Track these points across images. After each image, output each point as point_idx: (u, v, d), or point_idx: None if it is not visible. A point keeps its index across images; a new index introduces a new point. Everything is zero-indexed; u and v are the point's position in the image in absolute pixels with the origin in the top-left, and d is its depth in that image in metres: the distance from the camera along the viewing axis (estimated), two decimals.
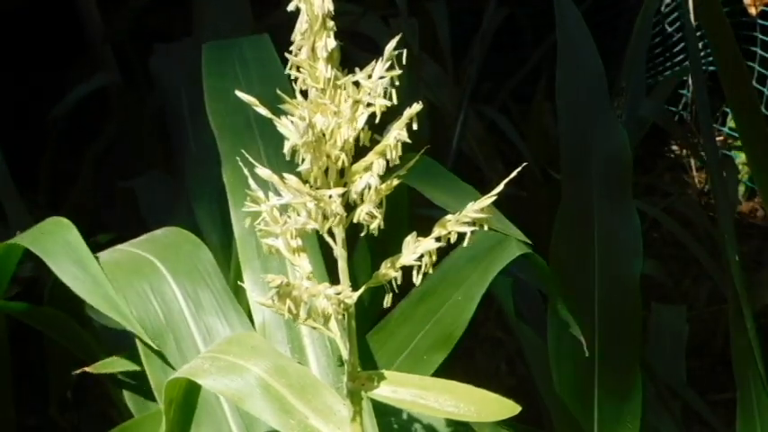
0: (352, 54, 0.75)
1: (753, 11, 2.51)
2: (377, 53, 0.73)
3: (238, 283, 0.98)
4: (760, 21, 2.59)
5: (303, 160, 0.71)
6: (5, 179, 1.51)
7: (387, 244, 0.80)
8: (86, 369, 1.12)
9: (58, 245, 1.07)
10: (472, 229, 0.74)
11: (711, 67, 2.64)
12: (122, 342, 1.05)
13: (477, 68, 2.06)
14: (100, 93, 2.14)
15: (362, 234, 0.73)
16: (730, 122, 2.72)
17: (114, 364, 1.11)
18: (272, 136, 0.72)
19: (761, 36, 2.61)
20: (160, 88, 1.84)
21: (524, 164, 0.75)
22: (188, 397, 0.87)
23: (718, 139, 2.63)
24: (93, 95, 2.06)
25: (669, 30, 2.69)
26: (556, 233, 1.23)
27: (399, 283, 0.77)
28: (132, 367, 1.08)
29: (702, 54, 2.58)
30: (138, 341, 0.99)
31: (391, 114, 0.74)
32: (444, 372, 1.01)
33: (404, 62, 0.71)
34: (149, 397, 1.04)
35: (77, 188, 1.82)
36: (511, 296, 1.33)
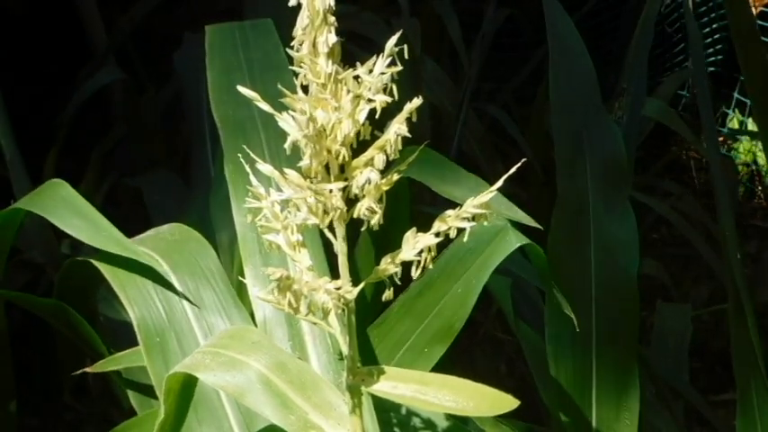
0: (354, 55, 0.75)
1: (753, 11, 2.52)
2: (379, 54, 0.73)
3: (239, 278, 0.98)
4: (760, 21, 2.59)
5: (303, 154, 0.72)
6: (13, 152, 1.53)
7: (389, 239, 0.81)
8: (87, 369, 1.13)
9: (56, 201, 1.09)
10: (472, 224, 0.75)
11: (711, 68, 2.65)
12: (127, 337, 1.05)
13: (477, 69, 2.06)
14: (102, 94, 2.15)
15: (363, 229, 0.74)
16: (730, 123, 2.73)
17: (118, 361, 1.11)
18: (275, 129, 0.72)
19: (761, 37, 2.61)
20: (181, 79, 1.84)
21: (524, 160, 0.75)
22: (185, 388, 0.88)
23: (717, 139, 2.63)
24: (96, 97, 2.07)
25: (669, 30, 2.70)
26: (552, 232, 1.24)
27: (400, 276, 0.77)
28: (135, 363, 1.09)
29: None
30: (140, 338, 1.00)
31: (393, 113, 0.74)
32: (444, 372, 1.01)
33: (405, 59, 0.72)
34: (152, 395, 1.05)
35: (82, 188, 1.83)
36: (509, 296, 1.33)
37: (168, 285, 1.04)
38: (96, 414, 1.88)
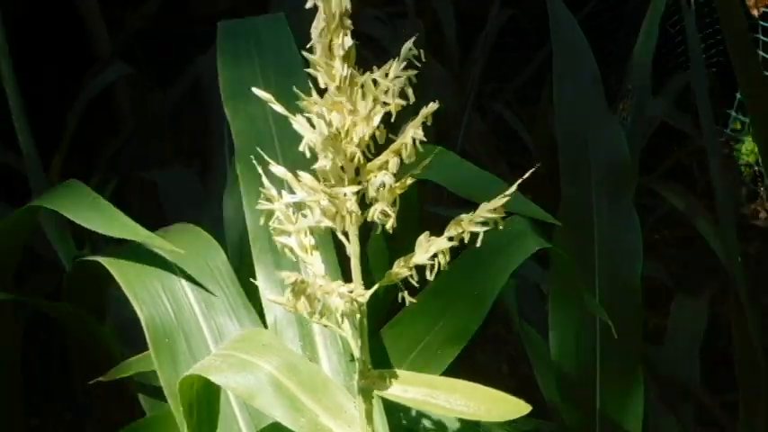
0: (358, 54, 0.75)
1: (755, 12, 2.52)
2: (379, 52, 0.73)
3: (250, 280, 0.98)
4: (762, 22, 2.59)
5: (318, 157, 0.71)
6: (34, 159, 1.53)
7: (398, 240, 0.81)
8: (101, 378, 1.13)
9: (72, 198, 1.09)
10: (486, 228, 0.75)
11: (714, 69, 2.65)
12: (137, 338, 1.04)
13: (480, 69, 2.06)
14: (108, 93, 2.15)
15: (378, 232, 0.74)
16: (732, 124, 2.73)
17: (129, 368, 1.11)
18: (287, 127, 0.72)
19: (763, 38, 2.61)
20: (202, 83, 1.84)
21: (537, 165, 0.75)
22: (209, 398, 0.88)
23: (720, 140, 2.63)
24: (102, 96, 2.07)
25: (672, 31, 2.69)
26: (556, 234, 1.24)
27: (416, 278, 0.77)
28: (147, 368, 1.08)
29: (704, 56, 2.58)
30: (149, 339, 0.99)
31: (401, 114, 0.74)
32: (447, 372, 1.01)
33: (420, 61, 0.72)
34: (162, 396, 1.04)
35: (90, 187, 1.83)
36: (514, 296, 1.33)
37: (177, 276, 1.04)
38: (98, 414, 1.88)
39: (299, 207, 0.75)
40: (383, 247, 1.14)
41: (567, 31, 1.35)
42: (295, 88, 0.70)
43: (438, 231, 0.77)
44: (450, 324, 1.05)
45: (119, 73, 2.08)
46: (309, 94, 0.72)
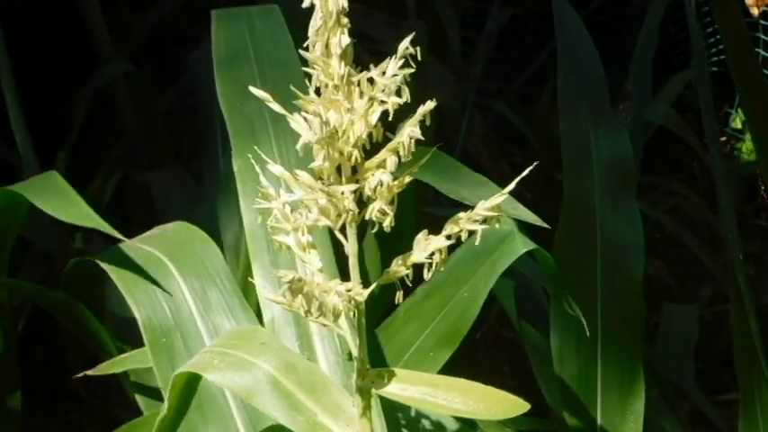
0: (358, 54, 0.75)
1: (755, 11, 2.51)
2: (382, 53, 0.73)
3: (248, 278, 0.98)
4: (762, 21, 2.59)
5: (316, 156, 0.72)
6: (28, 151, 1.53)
7: (394, 239, 0.81)
8: (89, 372, 1.13)
9: (45, 186, 1.09)
10: (484, 227, 0.75)
11: (714, 68, 2.65)
12: (136, 333, 1.04)
13: (481, 69, 2.06)
14: (111, 95, 2.15)
15: (374, 230, 0.74)
16: (733, 123, 2.72)
17: (122, 364, 1.11)
18: (283, 123, 0.72)
19: (763, 37, 2.61)
20: (194, 81, 1.85)
21: (536, 163, 0.75)
22: (188, 385, 0.87)
23: (720, 139, 2.63)
24: (105, 97, 2.07)
25: (672, 30, 2.69)
26: (558, 234, 1.23)
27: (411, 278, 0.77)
28: (139, 365, 1.08)
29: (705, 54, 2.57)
30: (146, 339, 0.99)
31: (400, 113, 0.74)
32: (447, 372, 1.01)
33: (418, 60, 0.72)
34: (158, 396, 1.04)
35: (91, 189, 1.84)
36: (513, 297, 1.33)
37: (174, 275, 1.04)
38: (99, 414, 1.88)
39: (296, 205, 0.75)
40: (380, 245, 1.14)
41: (572, 29, 1.35)
42: (292, 87, 0.70)
43: (436, 230, 0.77)
44: (441, 326, 1.05)
45: (123, 69, 2.08)
46: (307, 93, 0.72)
